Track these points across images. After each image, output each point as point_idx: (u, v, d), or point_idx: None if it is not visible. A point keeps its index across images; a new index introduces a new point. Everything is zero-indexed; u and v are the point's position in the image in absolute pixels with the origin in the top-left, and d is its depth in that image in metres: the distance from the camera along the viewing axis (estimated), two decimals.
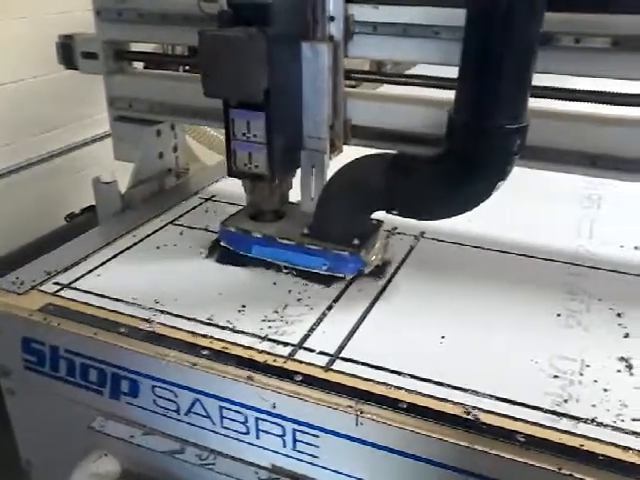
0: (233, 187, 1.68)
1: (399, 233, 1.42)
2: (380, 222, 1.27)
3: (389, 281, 1.22)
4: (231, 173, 1.24)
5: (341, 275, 1.20)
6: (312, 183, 1.25)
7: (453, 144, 1.06)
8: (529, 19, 0.94)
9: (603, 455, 0.82)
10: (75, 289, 1.19)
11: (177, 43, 1.52)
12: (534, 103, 1.04)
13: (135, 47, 1.55)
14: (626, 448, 0.83)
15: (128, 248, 1.35)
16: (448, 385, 0.94)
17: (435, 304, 1.16)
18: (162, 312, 1.12)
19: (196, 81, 1.51)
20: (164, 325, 1.08)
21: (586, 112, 1.17)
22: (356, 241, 1.20)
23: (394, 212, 1.16)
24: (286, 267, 1.24)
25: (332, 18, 1.15)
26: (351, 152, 1.24)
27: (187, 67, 1.64)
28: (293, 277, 1.22)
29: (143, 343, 1.04)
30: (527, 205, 1.52)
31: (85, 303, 1.14)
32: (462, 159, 1.05)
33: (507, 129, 0.99)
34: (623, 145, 1.13)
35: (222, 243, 1.30)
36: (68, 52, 1.49)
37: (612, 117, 1.15)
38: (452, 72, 1.07)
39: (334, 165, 1.22)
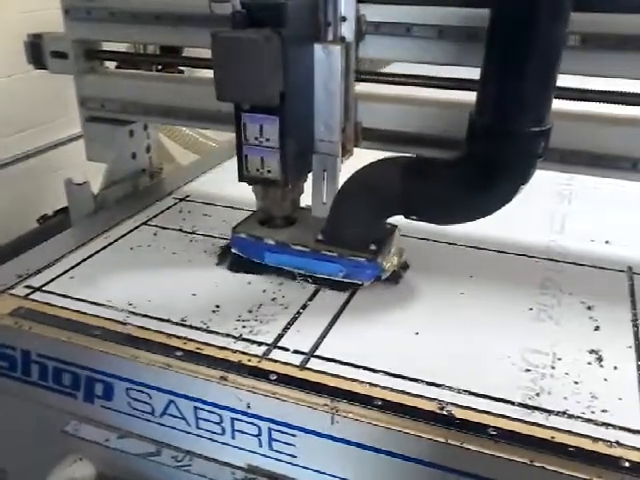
0: (208, 187, 1.69)
1: None
2: (394, 226, 1.23)
3: None
4: (242, 179, 1.20)
5: (358, 282, 1.18)
6: (324, 188, 1.22)
7: (475, 147, 1.03)
8: (555, 18, 0.91)
9: (574, 446, 0.83)
10: (47, 292, 1.17)
11: (149, 42, 1.51)
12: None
13: (107, 46, 1.53)
14: (596, 439, 0.84)
15: (101, 250, 1.33)
16: (422, 381, 0.95)
17: (408, 301, 1.16)
18: (136, 314, 1.11)
19: (169, 80, 1.51)
20: (138, 327, 1.07)
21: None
22: (373, 246, 1.17)
23: (412, 217, 1.13)
24: (300, 274, 1.21)
25: (344, 18, 1.13)
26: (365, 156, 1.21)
27: (160, 66, 1.62)
28: (307, 284, 1.20)
29: (117, 345, 1.03)
30: None
31: (57, 306, 1.13)
32: (485, 162, 1.03)
33: (532, 132, 0.97)
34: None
35: (233, 250, 1.26)
36: (37, 51, 1.47)
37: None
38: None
39: (345, 169, 1.21)
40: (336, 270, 1.18)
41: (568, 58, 0.98)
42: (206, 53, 1.67)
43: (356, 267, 1.17)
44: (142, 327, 1.07)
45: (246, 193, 1.61)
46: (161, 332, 1.06)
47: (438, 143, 1.20)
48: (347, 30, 1.14)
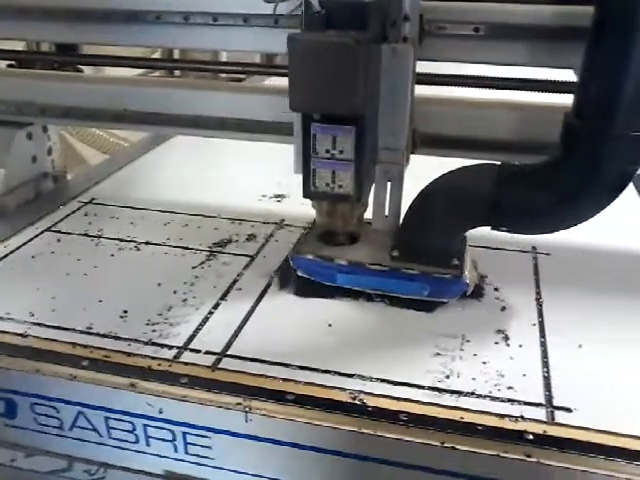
0: (115, 188, 1.64)
1: (287, 225, 1.42)
2: (465, 236, 1.16)
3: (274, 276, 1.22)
4: (309, 195, 1.09)
5: (444, 300, 1.11)
6: (386, 199, 1.13)
7: (573, 152, 0.98)
8: None
9: (481, 425, 0.85)
10: None
11: (40, 40, 1.44)
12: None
13: None
14: (503, 416, 0.87)
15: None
16: (335, 372, 0.95)
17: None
18: (38, 325, 1.06)
19: (67, 79, 1.45)
20: (40, 338, 1.02)
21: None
22: (455, 261, 1.10)
23: (502, 228, 1.05)
24: (377, 295, 1.14)
25: (407, 18, 1.04)
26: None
27: (56, 65, 1.55)
28: (385, 306, 1.12)
29: (18, 359, 0.98)
30: None
31: None
32: (586, 167, 0.97)
33: (637, 136, 0.92)
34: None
35: (299, 273, 1.15)
36: None
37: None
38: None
39: None
40: (419, 289, 1.10)
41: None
42: (105, 50, 1.64)
43: (441, 284, 1.09)
44: (45, 338, 1.02)
45: (154, 193, 1.58)
46: (65, 342, 1.01)
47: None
48: (410, 30, 1.05)
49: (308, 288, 1.15)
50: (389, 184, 1.12)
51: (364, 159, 1.04)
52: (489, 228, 1.06)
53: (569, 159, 0.99)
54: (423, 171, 1.11)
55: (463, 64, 1.18)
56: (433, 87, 1.22)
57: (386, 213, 1.14)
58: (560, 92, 1.14)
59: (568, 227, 1.04)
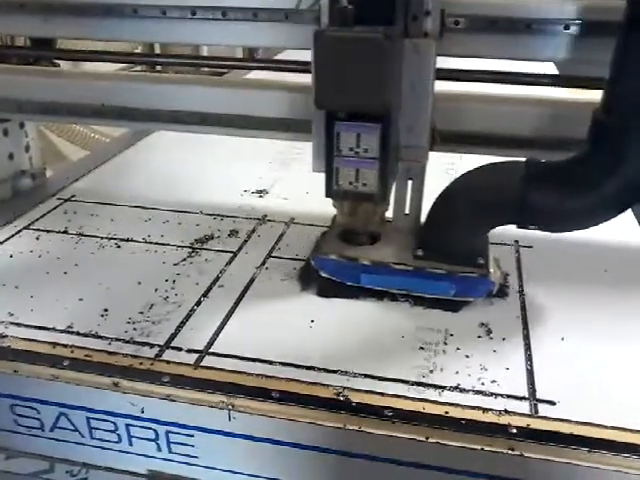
0: (95, 185, 1.62)
1: (270, 221, 1.41)
2: (487, 235, 1.15)
3: (260, 271, 1.21)
4: (331, 194, 1.07)
5: (470, 299, 1.10)
6: (407, 197, 1.13)
7: (601, 148, 0.97)
8: None
9: (465, 419, 0.85)
10: None
11: (15, 34, 1.41)
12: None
13: None
14: (486, 409, 0.87)
15: None
16: (319, 369, 0.95)
17: (305, 291, 1.16)
18: (17, 324, 1.04)
19: (44, 74, 1.42)
20: (20, 338, 1.01)
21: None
22: (481, 260, 1.09)
23: (531, 227, 1.03)
24: (402, 295, 1.12)
25: (428, 12, 1.02)
26: None
27: (32, 60, 1.52)
28: (410, 306, 1.11)
29: None
30: None
31: None
32: (614, 164, 0.95)
33: None
34: None
35: (322, 274, 1.13)
36: None
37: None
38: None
39: None
40: (446, 289, 1.08)
41: None
42: (84, 45, 1.61)
43: (467, 284, 1.08)
44: (24, 338, 1.01)
45: (134, 190, 1.57)
46: (46, 342, 1.00)
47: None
48: (431, 25, 1.03)
49: (331, 289, 1.13)
50: (410, 182, 1.11)
51: (389, 157, 1.02)
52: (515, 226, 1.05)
53: (597, 155, 0.98)
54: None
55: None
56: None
57: (406, 211, 1.14)
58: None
59: (597, 224, 1.02)
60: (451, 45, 1.08)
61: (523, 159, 1.03)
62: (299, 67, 1.21)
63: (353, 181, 1.05)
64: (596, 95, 0.98)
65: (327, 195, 1.08)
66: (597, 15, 1.05)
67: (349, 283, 1.12)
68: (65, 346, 0.99)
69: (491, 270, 1.09)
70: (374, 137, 1.00)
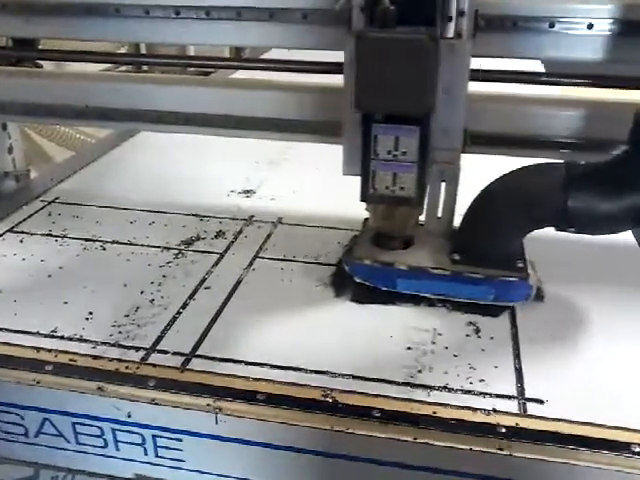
0: (79, 186, 1.60)
1: (257, 221, 1.40)
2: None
3: (248, 270, 1.21)
4: (367, 198, 1.05)
5: (509, 304, 1.08)
6: (440, 200, 1.10)
7: None
8: None
9: (454, 419, 0.85)
10: None
11: None
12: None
13: None
14: (475, 409, 0.87)
15: None
16: (306, 370, 0.94)
17: (291, 291, 1.15)
18: (0, 329, 1.03)
19: (27, 75, 1.41)
20: (2, 343, 0.99)
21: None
22: (520, 263, 1.07)
23: (570, 229, 1.01)
24: (439, 300, 1.10)
25: (462, 12, 0.99)
26: None
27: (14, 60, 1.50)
28: (448, 311, 1.09)
29: None
30: None
31: None
32: None
33: None
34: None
35: (357, 279, 1.12)
36: None
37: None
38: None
39: None
40: (485, 293, 1.07)
41: None
42: (67, 45, 1.59)
43: (506, 288, 1.07)
44: (7, 343, 0.99)
45: (119, 191, 1.55)
46: (29, 347, 0.99)
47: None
48: (465, 25, 1.00)
49: (366, 294, 1.12)
50: (443, 184, 1.09)
51: (427, 160, 1.01)
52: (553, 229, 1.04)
53: (639, 157, 0.96)
54: None
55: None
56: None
57: (439, 214, 1.12)
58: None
59: (637, 227, 1.02)
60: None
61: (558, 161, 1.02)
62: (285, 66, 1.20)
63: (390, 185, 1.02)
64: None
65: (362, 199, 1.06)
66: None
67: (385, 288, 1.11)
68: (49, 350, 0.98)
69: (530, 275, 1.08)
70: (413, 140, 0.98)
